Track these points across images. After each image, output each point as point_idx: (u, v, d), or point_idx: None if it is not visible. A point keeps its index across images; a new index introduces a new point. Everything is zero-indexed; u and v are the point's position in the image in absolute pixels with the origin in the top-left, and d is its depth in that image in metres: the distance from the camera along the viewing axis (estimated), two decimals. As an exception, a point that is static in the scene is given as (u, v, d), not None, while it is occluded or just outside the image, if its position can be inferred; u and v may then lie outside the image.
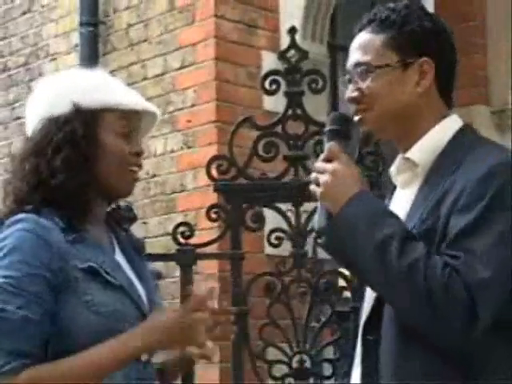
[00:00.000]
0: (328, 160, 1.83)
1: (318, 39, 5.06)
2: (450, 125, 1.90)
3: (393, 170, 1.95)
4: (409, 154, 1.89)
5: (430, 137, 1.88)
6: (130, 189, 2.00)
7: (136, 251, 2.06)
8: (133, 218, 3.46)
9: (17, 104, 5.94)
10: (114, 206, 2.06)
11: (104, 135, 1.94)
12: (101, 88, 1.97)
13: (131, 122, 1.98)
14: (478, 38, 6.02)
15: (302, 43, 4.11)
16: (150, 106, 2.04)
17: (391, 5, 1.93)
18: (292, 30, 3.74)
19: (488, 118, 6.05)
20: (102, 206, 2.00)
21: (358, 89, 1.89)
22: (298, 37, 3.76)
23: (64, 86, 1.98)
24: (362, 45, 1.90)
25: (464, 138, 1.87)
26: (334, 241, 1.85)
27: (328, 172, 1.81)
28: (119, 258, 1.99)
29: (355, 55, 1.91)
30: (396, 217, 1.80)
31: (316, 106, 3.68)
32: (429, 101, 1.89)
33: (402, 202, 1.89)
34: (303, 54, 3.63)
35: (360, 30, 1.92)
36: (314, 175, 1.84)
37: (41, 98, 1.99)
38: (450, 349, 1.73)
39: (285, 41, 4.27)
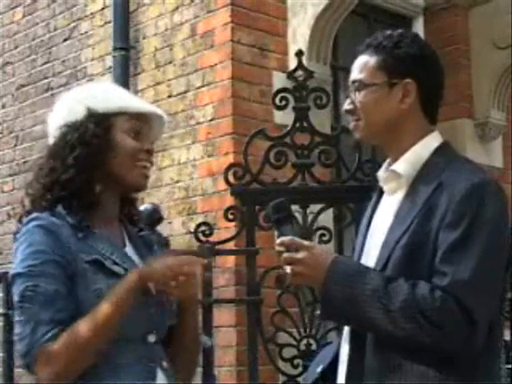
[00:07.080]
0: (293, 249, 1.80)
1: (322, 61, 5.04)
2: (432, 141, 1.90)
3: (380, 175, 1.95)
4: (394, 167, 1.89)
5: (414, 151, 1.88)
6: (141, 183, 1.93)
7: (146, 246, 1.99)
8: (159, 219, 3.45)
9: (58, 119, 5.95)
10: (131, 206, 2.01)
11: (116, 135, 1.90)
12: (112, 95, 1.96)
13: (141, 123, 1.93)
14: (463, 59, 5.98)
15: (308, 64, 4.09)
16: (157, 110, 2.01)
17: (388, 32, 1.94)
18: (299, 53, 3.73)
19: (472, 129, 6.03)
20: (114, 203, 1.94)
21: (352, 102, 1.92)
22: (304, 59, 3.75)
23: (80, 96, 1.96)
24: (359, 65, 1.93)
25: (443, 154, 1.87)
26: (330, 310, 1.81)
27: (299, 263, 1.79)
28: (129, 250, 1.93)
29: (353, 74, 1.93)
30: (369, 269, 1.80)
31: (320, 119, 3.66)
32: (412, 117, 1.89)
33: (388, 208, 1.89)
34: (309, 74, 3.62)
35: (361, 52, 1.93)
36: (288, 269, 1.80)
37: (60, 109, 1.96)
38: (459, 358, 1.71)
39: (293, 62, 4.27)
